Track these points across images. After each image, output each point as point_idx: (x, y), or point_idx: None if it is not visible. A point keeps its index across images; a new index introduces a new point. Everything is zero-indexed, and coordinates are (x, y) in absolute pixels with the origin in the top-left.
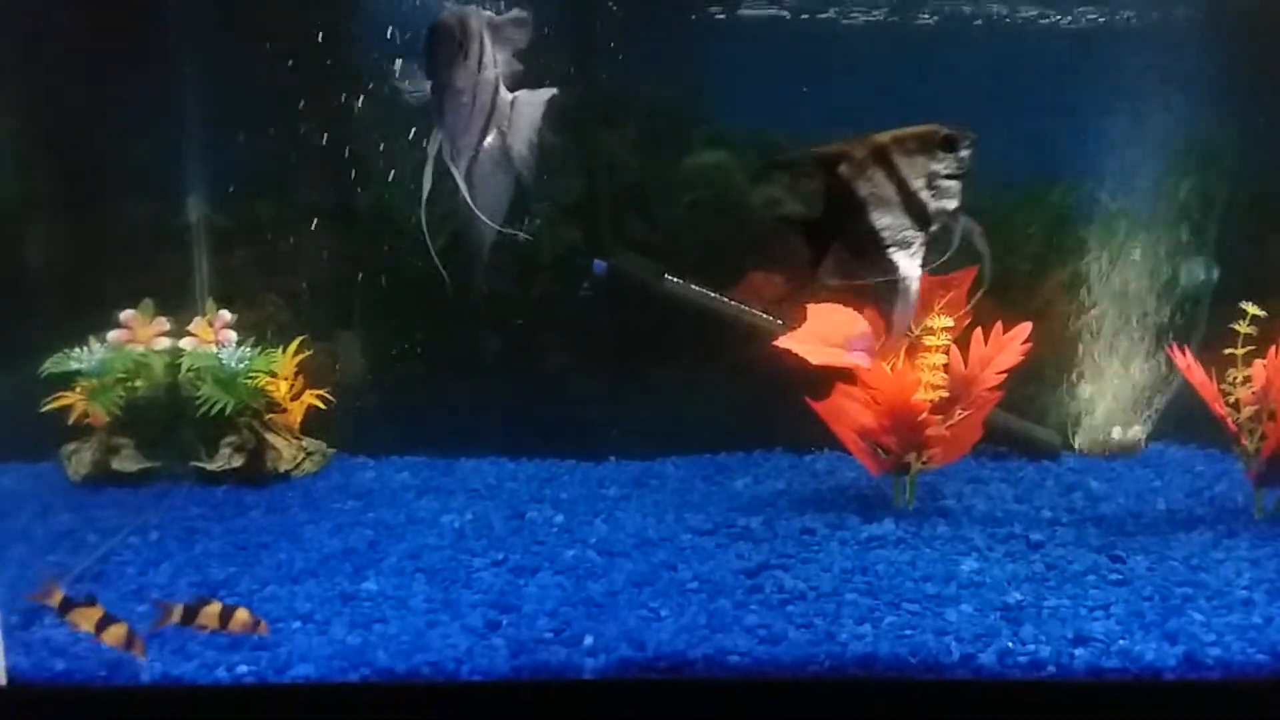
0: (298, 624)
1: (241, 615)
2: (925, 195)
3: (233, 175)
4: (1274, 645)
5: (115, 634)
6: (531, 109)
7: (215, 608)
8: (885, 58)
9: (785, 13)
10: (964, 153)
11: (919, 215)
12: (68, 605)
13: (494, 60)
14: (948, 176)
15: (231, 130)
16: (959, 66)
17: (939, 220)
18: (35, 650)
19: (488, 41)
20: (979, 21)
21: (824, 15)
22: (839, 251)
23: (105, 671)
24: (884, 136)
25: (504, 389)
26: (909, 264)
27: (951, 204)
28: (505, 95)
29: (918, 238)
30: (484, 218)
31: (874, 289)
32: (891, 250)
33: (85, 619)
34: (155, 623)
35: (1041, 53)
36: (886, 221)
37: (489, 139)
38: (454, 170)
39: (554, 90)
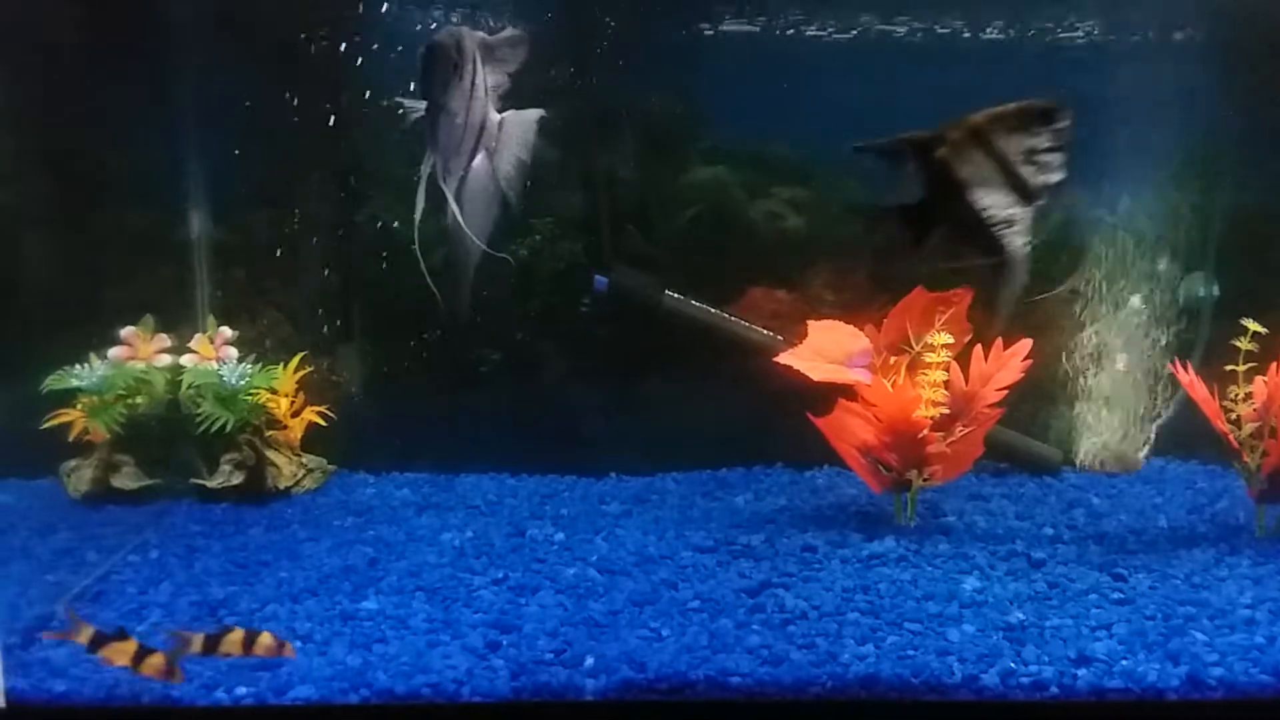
0: (297, 644)
1: (265, 639)
2: (1027, 171)
3: (234, 190)
4: (1277, 666)
5: (154, 665)
6: (519, 129)
7: (238, 635)
8: (885, 73)
9: (785, 27)
10: (1061, 125)
11: (1022, 191)
12: (100, 640)
13: (486, 81)
14: (1048, 150)
15: (233, 145)
16: (956, 81)
17: (1043, 195)
18: (34, 671)
19: (480, 62)
20: (978, 36)
21: (824, 31)
22: (943, 235)
23: (104, 693)
24: (979, 117)
25: (505, 404)
26: (1016, 241)
27: (1055, 177)
28: (494, 116)
29: (1023, 214)
30: (474, 237)
31: (979, 270)
32: (998, 229)
33: (120, 654)
34: (172, 653)
35: (1043, 67)
36: (990, 201)
37: (477, 159)
38: (445, 190)
39: (541, 111)
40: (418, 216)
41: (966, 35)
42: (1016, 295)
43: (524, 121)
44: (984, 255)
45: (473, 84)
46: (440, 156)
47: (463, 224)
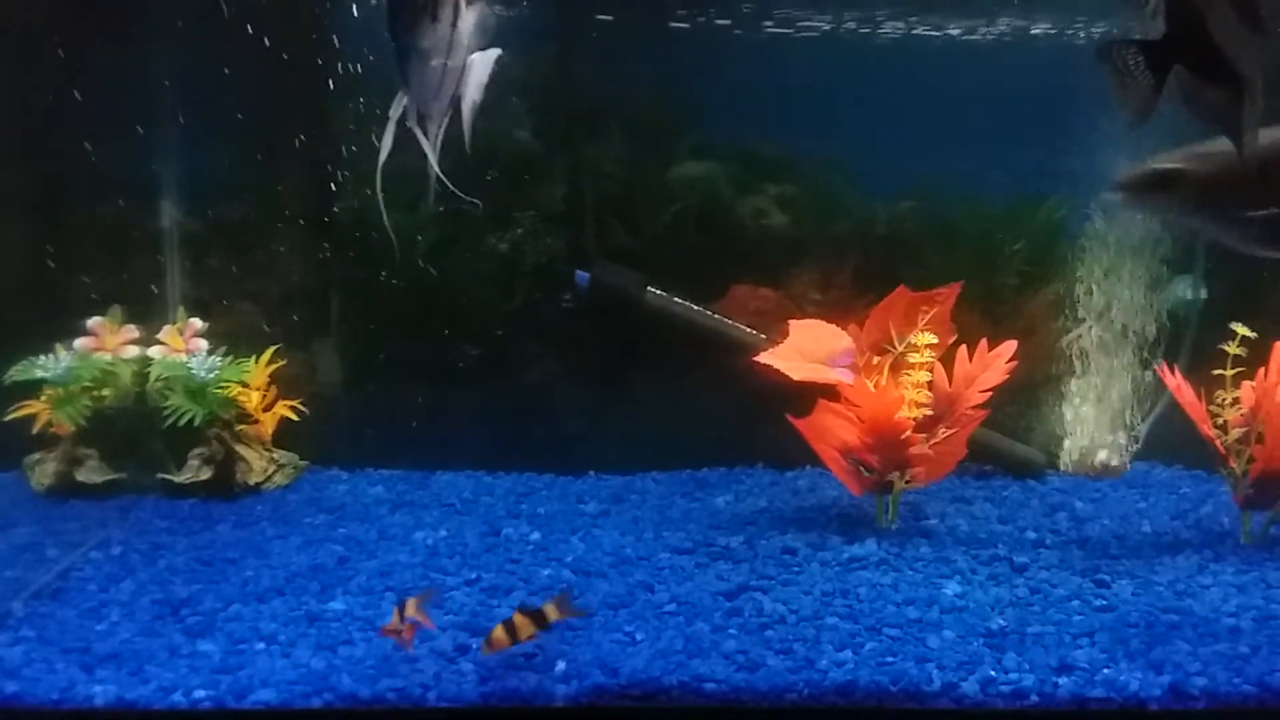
0: (261, 645)
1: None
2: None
3: (205, 179)
4: (1260, 676)
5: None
6: (479, 71)
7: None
8: (872, 73)
9: (772, 23)
10: None
11: (1254, 20)
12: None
13: (469, 22)
14: None
15: (204, 133)
16: (946, 82)
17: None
18: None
19: (464, 5)
20: (967, 37)
21: (814, 28)
22: (1182, 75)
23: (56, 695)
24: None
25: (483, 401)
26: (1252, 70)
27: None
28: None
29: (1258, 41)
30: (448, 182)
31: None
32: (1236, 61)
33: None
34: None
35: (1030, 68)
36: (1226, 32)
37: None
38: (420, 136)
39: (499, 51)
40: (381, 159)
41: (950, 34)
42: (1258, 121)
43: (484, 62)
44: (1223, 89)
45: (454, 27)
46: (413, 99)
47: (437, 169)
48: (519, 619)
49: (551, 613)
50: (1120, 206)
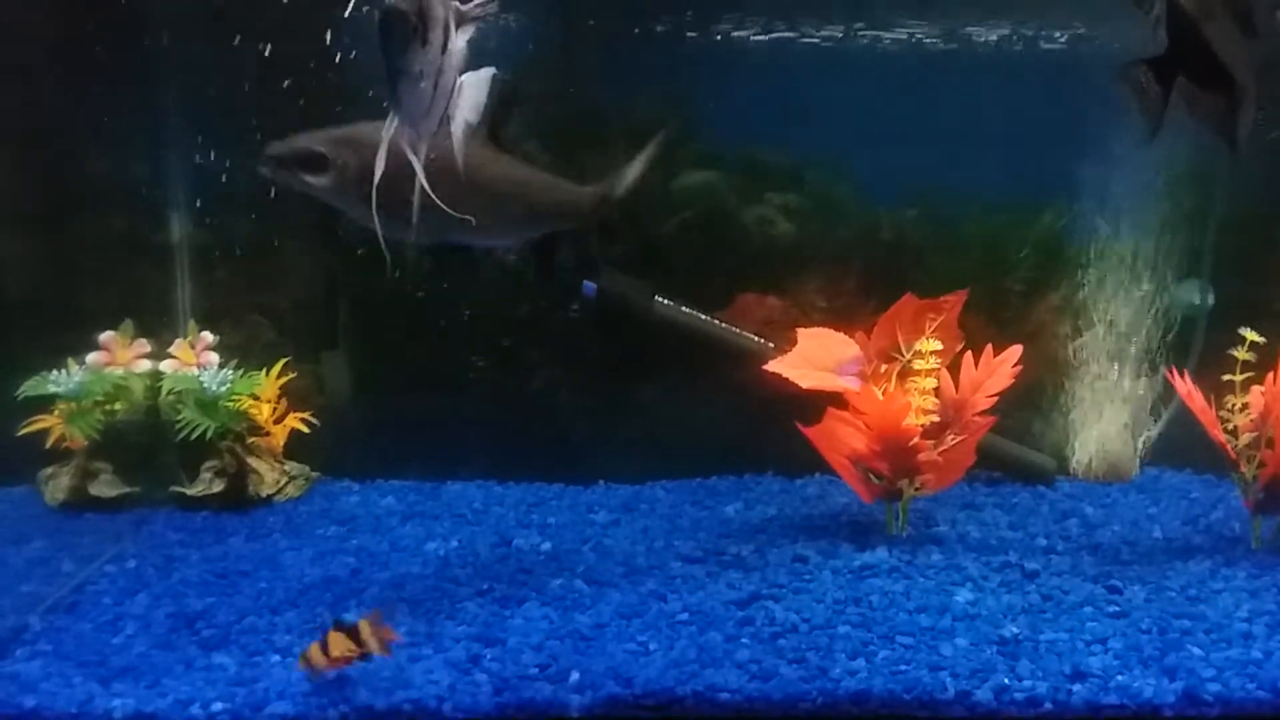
0: (276, 658)
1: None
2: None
3: (215, 192)
4: (1274, 681)
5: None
6: (472, 91)
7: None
8: (873, 81)
9: (776, 33)
10: None
11: (1249, 26)
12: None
13: (459, 44)
14: None
15: (214, 145)
16: (948, 90)
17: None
18: (4, 685)
19: (453, 26)
20: (970, 44)
21: (812, 36)
22: (1184, 85)
23: (75, 709)
24: None
25: (492, 411)
26: (1247, 77)
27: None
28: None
29: (1253, 47)
30: (443, 204)
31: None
32: (1234, 69)
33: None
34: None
35: (1032, 75)
36: (1224, 41)
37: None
38: (412, 157)
39: (493, 70)
40: (376, 178)
41: (956, 42)
42: (1250, 127)
43: (476, 83)
44: (1221, 99)
45: (443, 49)
46: (405, 121)
47: (428, 188)
48: (335, 637)
49: (365, 630)
50: (272, 178)
